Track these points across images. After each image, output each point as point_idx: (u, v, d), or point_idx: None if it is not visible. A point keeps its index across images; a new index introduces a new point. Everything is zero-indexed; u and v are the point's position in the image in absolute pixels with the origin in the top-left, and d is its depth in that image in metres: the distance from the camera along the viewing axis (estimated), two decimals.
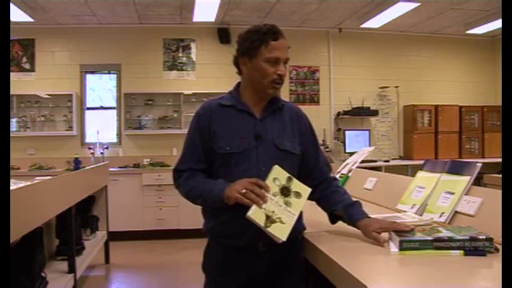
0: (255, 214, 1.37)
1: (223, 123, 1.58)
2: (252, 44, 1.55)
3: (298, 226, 1.61)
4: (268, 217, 1.39)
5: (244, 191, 1.40)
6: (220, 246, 1.60)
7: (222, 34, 6.24)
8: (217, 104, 1.63)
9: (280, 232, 1.39)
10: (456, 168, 1.84)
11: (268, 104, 1.64)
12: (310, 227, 1.71)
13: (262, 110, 1.63)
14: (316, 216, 1.76)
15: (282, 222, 1.40)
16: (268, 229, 1.38)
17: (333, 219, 1.67)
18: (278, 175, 1.47)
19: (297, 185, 1.50)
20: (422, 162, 2.12)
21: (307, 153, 1.68)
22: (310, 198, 1.64)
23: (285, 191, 1.46)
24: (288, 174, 1.49)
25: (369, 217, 1.56)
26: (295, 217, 1.45)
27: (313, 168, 1.69)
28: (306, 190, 1.52)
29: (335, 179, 1.78)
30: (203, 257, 1.69)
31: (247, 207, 1.39)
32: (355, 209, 1.60)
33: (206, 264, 1.68)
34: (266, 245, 1.53)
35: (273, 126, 1.61)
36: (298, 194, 1.48)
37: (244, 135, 1.57)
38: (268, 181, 1.44)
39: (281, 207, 1.43)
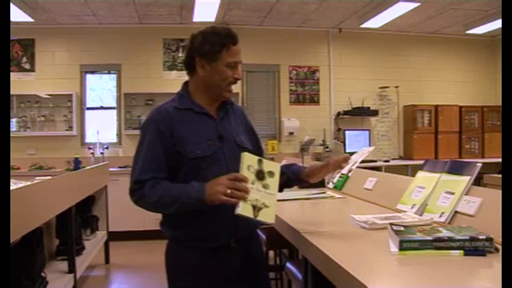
0: (244, 210, 1.39)
1: (187, 127, 1.56)
2: (213, 47, 1.54)
3: (255, 223, 1.62)
4: (254, 207, 1.41)
5: (229, 191, 1.39)
6: (192, 249, 1.58)
7: None
8: (173, 108, 1.59)
9: (268, 217, 1.44)
10: (456, 168, 1.84)
11: (221, 104, 1.66)
12: (311, 227, 1.71)
13: (216, 111, 1.64)
14: (316, 216, 1.76)
15: (266, 206, 1.43)
16: (258, 218, 1.41)
17: (280, 188, 1.69)
18: (250, 162, 1.47)
19: (267, 165, 1.51)
20: (422, 162, 2.12)
21: (254, 149, 1.70)
22: None
23: (260, 175, 1.47)
24: (257, 157, 1.50)
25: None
26: (276, 196, 1.48)
27: None
28: (276, 166, 1.53)
29: None
30: (171, 265, 1.65)
31: (224, 208, 1.42)
32: (295, 166, 1.73)
33: (176, 270, 1.63)
34: (236, 241, 1.60)
35: (231, 126, 1.66)
36: (271, 173, 1.49)
37: (209, 137, 1.57)
38: (244, 171, 1.44)
39: (261, 192, 1.45)
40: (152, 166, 1.52)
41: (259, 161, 1.48)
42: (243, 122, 1.74)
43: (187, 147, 1.53)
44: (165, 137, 1.53)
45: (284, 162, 1.81)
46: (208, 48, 1.54)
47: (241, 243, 1.61)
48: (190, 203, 1.46)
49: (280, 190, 1.70)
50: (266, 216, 1.43)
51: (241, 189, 1.39)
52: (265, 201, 1.44)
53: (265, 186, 1.46)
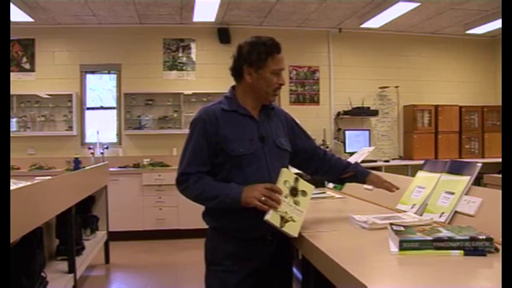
0: (272, 218, 1.53)
1: (232, 127, 1.70)
2: (259, 56, 1.69)
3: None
4: (282, 218, 1.55)
5: (263, 198, 1.54)
6: (232, 238, 1.72)
7: (222, 34, 6.24)
8: (220, 109, 1.73)
9: (293, 230, 1.56)
10: (456, 168, 1.84)
11: (263, 107, 1.80)
12: (310, 227, 1.71)
13: (259, 113, 1.78)
14: (316, 216, 1.76)
15: (293, 220, 1.56)
16: (283, 228, 1.54)
17: (342, 181, 2.02)
18: (287, 177, 1.61)
19: (303, 185, 1.64)
20: (422, 162, 2.13)
21: (303, 143, 1.92)
22: (320, 174, 1.97)
23: (293, 191, 1.61)
24: (295, 175, 1.64)
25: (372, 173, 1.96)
26: (304, 214, 1.61)
27: (312, 153, 1.94)
28: (310, 188, 1.67)
29: (326, 151, 2.03)
30: (211, 251, 1.78)
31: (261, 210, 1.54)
32: (361, 167, 1.97)
33: (214, 256, 1.77)
34: (272, 235, 1.72)
35: (271, 128, 1.79)
36: (304, 193, 1.64)
37: (251, 137, 1.71)
38: (280, 184, 1.58)
39: (291, 206, 1.58)
40: (197, 161, 1.69)
41: (296, 179, 1.63)
42: (284, 123, 1.87)
43: (230, 145, 1.67)
44: (210, 135, 1.68)
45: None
46: (255, 57, 1.69)
47: (275, 237, 1.72)
48: (226, 202, 1.62)
49: (342, 183, 2.07)
50: (291, 229, 1.55)
51: (274, 199, 1.54)
52: (293, 215, 1.57)
53: (296, 203, 1.60)
